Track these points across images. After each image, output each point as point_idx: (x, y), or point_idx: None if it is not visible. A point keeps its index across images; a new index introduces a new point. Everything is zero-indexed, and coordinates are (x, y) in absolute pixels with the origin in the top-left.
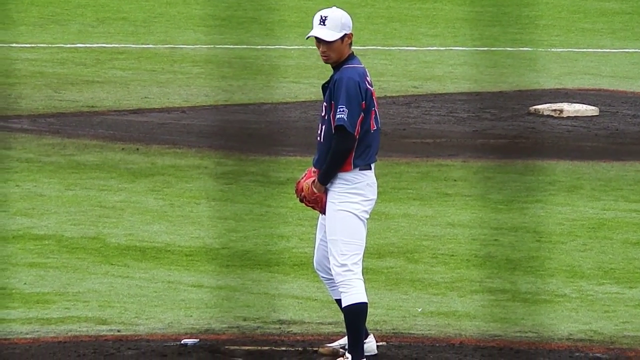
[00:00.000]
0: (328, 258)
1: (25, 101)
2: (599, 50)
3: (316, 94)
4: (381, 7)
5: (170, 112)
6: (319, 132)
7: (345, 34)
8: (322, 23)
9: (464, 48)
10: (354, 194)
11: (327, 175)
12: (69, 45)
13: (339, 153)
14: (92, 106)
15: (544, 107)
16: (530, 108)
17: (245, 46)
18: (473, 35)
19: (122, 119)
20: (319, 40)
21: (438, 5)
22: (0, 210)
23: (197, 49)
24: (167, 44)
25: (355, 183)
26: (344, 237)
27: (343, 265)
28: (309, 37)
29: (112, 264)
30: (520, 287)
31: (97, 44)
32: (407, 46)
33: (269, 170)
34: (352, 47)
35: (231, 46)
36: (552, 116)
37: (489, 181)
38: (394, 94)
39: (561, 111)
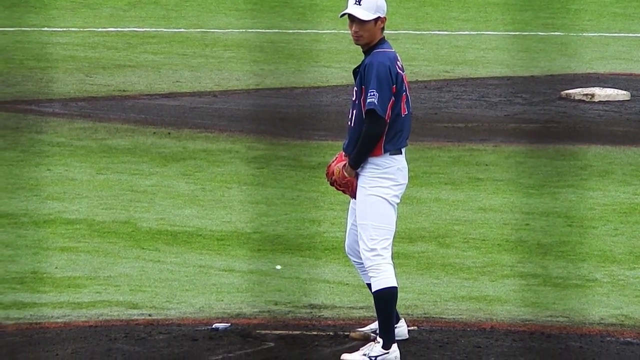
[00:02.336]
0: (358, 242)
1: (57, 85)
2: (631, 34)
3: (348, 78)
4: None
5: (201, 96)
6: (350, 116)
7: (379, 17)
8: (357, 2)
9: (495, 32)
10: (385, 179)
11: (358, 159)
12: (100, 29)
13: (370, 137)
14: (124, 90)
15: (576, 92)
16: (562, 93)
17: (277, 30)
18: (505, 19)
19: (154, 103)
20: (352, 19)
21: None
22: (31, 195)
23: (228, 33)
24: (198, 28)
25: (386, 168)
26: (374, 221)
27: (372, 249)
28: (343, 14)
29: (143, 248)
30: (551, 271)
31: (129, 27)
32: (439, 30)
33: (300, 154)
34: (384, 32)
35: (263, 30)
36: (583, 101)
37: (520, 166)
38: (425, 79)
39: (593, 96)
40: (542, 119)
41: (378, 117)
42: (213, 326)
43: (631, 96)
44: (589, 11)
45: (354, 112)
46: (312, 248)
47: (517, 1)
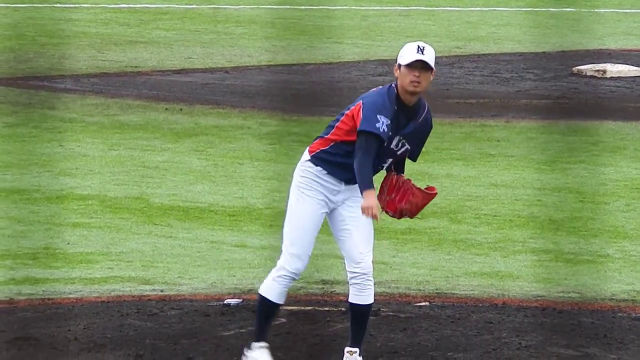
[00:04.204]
0: (362, 250)
1: (69, 61)
2: None
3: (359, 54)
4: None
5: (213, 73)
6: (382, 163)
7: (434, 69)
8: (420, 52)
9: (507, 8)
10: None
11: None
12: (112, 6)
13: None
14: (136, 66)
15: (587, 68)
16: (574, 69)
17: (288, 6)
18: None
19: (166, 79)
20: (415, 67)
21: None
22: (44, 171)
23: (240, 9)
24: (210, 4)
25: None
26: (373, 228)
27: (372, 254)
28: (413, 60)
29: (155, 224)
30: (563, 247)
31: (141, 4)
32: (451, 7)
33: (312, 130)
34: (396, 8)
35: (275, 6)
36: (595, 77)
37: (532, 141)
38: (437, 55)
39: (604, 72)
40: (553, 95)
41: None
42: (225, 302)
43: None
44: None
45: (389, 161)
46: (324, 224)
47: None
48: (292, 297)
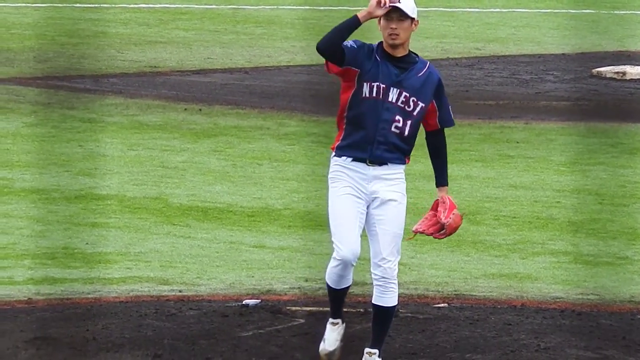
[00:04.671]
0: (381, 250)
1: (88, 61)
2: None
3: None
4: None
5: (233, 73)
6: (394, 126)
7: (415, 19)
8: (397, 1)
9: (526, 10)
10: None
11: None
12: (132, 6)
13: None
14: (155, 66)
15: (607, 70)
16: (593, 70)
17: (308, 7)
18: None
19: (185, 80)
20: (390, 16)
21: None
22: (63, 171)
23: (260, 9)
24: (230, 5)
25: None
26: (402, 232)
27: (398, 259)
28: (390, 5)
29: (174, 224)
30: (582, 249)
31: (160, 4)
32: (470, 8)
33: (331, 131)
34: (417, 9)
35: (294, 7)
36: (614, 79)
37: (551, 143)
38: (456, 56)
39: (624, 73)
40: (573, 97)
41: None
42: (243, 302)
43: None
44: None
45: (408, 122)
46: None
47: None
48: (310, 298)
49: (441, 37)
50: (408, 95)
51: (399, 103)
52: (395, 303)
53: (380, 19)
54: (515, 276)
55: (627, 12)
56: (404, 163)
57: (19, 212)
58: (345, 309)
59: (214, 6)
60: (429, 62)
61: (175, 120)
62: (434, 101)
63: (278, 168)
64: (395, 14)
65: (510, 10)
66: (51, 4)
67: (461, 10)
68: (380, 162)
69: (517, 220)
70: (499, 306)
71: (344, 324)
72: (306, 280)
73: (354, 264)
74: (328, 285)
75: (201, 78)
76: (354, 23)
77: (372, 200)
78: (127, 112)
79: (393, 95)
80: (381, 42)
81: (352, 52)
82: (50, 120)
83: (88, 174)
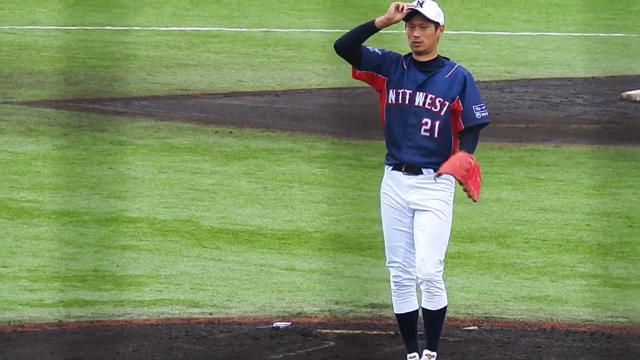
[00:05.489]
0: (414, 263)
1: (119, 84)
2: None
3: None
4: None
5: (263, 96)
6: (423, 129)
7: (440, 24)
8: (419, 5)
9: (557, 33)
10: (453, 194)
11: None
12: (163, 28)
13: (475, 148)
14: (186, 89)
15: (637, 93)
16: (623, 94)
17: (339, 30)
18: (566, 20)
19: (216, 102)
20: (413, 23)
21: None
22: (93, 193)
23: (290, 32)
24: (261, 27)
25: (453, 184)
26: (446, 236)
27: (442, 264)
28: (409, 9)
29: (204, 247)
30: (612, 272)
31: (191, 27)
32: (501, 31)
33: (362, 154)
34: (446, 32)
35: (325, 30)
36: None
37: (581, 166)
38: (487, 79)
39: None
40: (603, 120)
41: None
42: (274, 325)
43: None
44: None
45: (436, 123)
46: (373, 247)
47: (578, 2)
48: (341, 321)
49: (472, 60)
50: (434, 96)
51: (425, 106)
52: (443, 306)
53: (405, 27)
54: (545, 299)
55: None
56: None
57: (49, 235)
58: (375, 332)
59: (245, 29)
60: (458, 64)
61: (206, 142)
62: (458, 98)
63: (308, 191)
64: (418, 20)
65: (540, 33)
66: (82, 27)
67: (492, 33)
68: (414, 170)
69: (547, 243)
70: (529, 329)
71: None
72: (336, 303)
73: (408, 284)
74: (395, 314)
75: (232, 101)
76: (369, 27)
77: (412, 210)
78: (158, 135)
79: (420, 99)
80: (411, 52)
81: (374, 57)
82: (81, 142)
83: (118, 196)
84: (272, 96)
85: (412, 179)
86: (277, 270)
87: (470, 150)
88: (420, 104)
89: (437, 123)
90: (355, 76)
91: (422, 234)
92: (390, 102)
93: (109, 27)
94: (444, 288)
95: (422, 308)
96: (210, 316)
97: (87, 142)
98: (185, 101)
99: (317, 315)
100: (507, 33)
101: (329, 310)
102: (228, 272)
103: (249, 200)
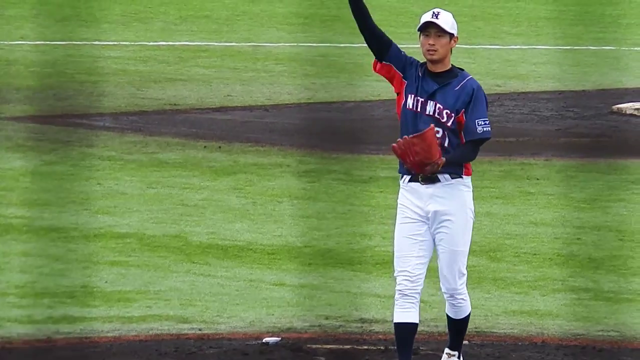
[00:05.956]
0: (423, 275)
1: (107, 99)
2: None
3: None
4: (465, 6)
5: (253, 110)
6: (437, 136)
7: (454, 35)
8: (434, 17)
9: (547, 47)
10: (473, 202)
11: (453, 162)
12: (151, 43)
13: (471, 159)
14: (175, 104)
15: (627, 106)
16: (613, 107)
17: (328, 44)
18: (556, 34)
19: (205, 117)
20: (429, 32)
21: (521, 4)
22: (82, 209)
23: (280, 47)
24: (250, 42)
25: (471, 189)
26: (467, 247)
27: (464, 275)
28: (424, 22)
29: (193, 262)
30: (602, 285)
31: (180, 41)
32: (491, 45)
33: (351, 168)
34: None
35: (314, 44)
36: (635, 115)
37: (571, 180)
38: None
39: None
40: (593, 133)
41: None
42: (264, 340)
43: None
44: None
45: (445, 133)
46: (363, 262)
47: (568, 15)
48: (331, 336)
49: None
50: (442, 107)
51: (435, 115)
52: (467, 313)
53: (419, 36)
54: (536, 313)
55: None
56: (459, 176)
57: (38, 251)
58: (365, 347)
59: (234, 43)
60: (470, 76)
61: (195, 157)
62: (463, 111)
63: (298, 205)
64: (433, 29)
65: (530, 47)
66: (70, 42)
67: (482, 47)
68: (431, 178)
69: (537, 257)
70: (519, 343)
71: None
72: (326, 318)
73: (413, 295)
74: (393, 324)
75: (221, 115)
76: None
77: (432, 221)
78: (147, 150)
79: (430, 108)
80: (425, 62)
81: (398, 53)
82: (69, 158)
83: (107, 212)
84: (261, 111)
85: (431, 188)
86: (266, 286)
87: (456, 157)
88: (431, 113)
89: (446, 133)
90: (375, 69)
91: (443, 250)
92: (407, 106)
93: (97, 42)
94: (467, 298)
95: (446, 314)
96: (200, 332)
97: (76, 158)
98: (174, 116)
99: (307, 330)
100: (497, 47)
101: (319, 326)
102: (217, 288)
103: (238, 216)
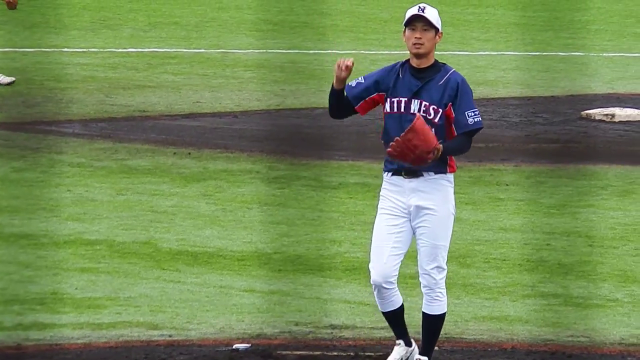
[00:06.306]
0: (396, 268)
1: (76, 106)
2: None
3: None
4: None
5: (222, 117)
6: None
7: (439, 30)
8: (421, 11)
9: (516, 53)
10: (453, 198)
11: (449, 153)
12: (120, 50)
13: (465, 150)
14: (144, 111)
15: (596, 112)
16: (582, 113)
17: (297, 51)
18: (525, 39)
19: (174, 124)
20: (414, 26)
21: (490, 10)
22: (51, 216)
23: (249, 53)
24: (219, 49)
25: (453, 186)
26: (447, 242)
27: (444, 270)
28: (411, 16)
29: (163, 269)
30: (572, 291)
31: (149, 48)
32: (460, 51)
33: (321, 174)
34: (405, 52)
35: (283, 51)
36: (604, 121)
37: (541, 185)
38: None
39: (613, 116)
40: (562, 139)
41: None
42: (234, 347)
43: None
44: (609, 31)
45: (432, 130)
46: (333, 268)
47: (537, 21)
48: (301, 342)
49: None
50: (427, 104)
51: (421, 113)
52: (443, 311)
53: (405, 30)
54: (505, 319)
55: (616, 54)
56: (443, 172)
57: (7, 258)
58: (335, 353)
59: (203, 50)
60: (452, 70)
61: (165, 164)
62: (451, 105)
63: (268, 212)
64: (420, 23)
65: (499, 53)
66: (39, 49)
67: (450, 53)
68: (415, 173)
69: (507, 262)
70: (489, 349)
71: (410, 347)
72: (296, 324)
73: (387, 287)
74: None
75: (190, 122)
76: (334, 92)
77: (413, 214)
78: (116, 157)
79: (415, 106)
80: (408, 59)
81: (358, 91)
82: (38, 165)
83: (77, 219)
84: (230, 117)
85: (413, 182)
86: (236, 292)
87: (451, 146)
88: (416, 111)
89: (433, 130)
90: (363, 114)
91: (423, 243)
92: (386, 111)
93: (66, 49)
94: (445, 294)
95: (423, 312)
96: (170, 338)
97: (45, 165)
98: (143, 123)
99: (277, 336)
100: (466, 53)
101: (289, 332)
102: (187, 294)
103: (208, 222)
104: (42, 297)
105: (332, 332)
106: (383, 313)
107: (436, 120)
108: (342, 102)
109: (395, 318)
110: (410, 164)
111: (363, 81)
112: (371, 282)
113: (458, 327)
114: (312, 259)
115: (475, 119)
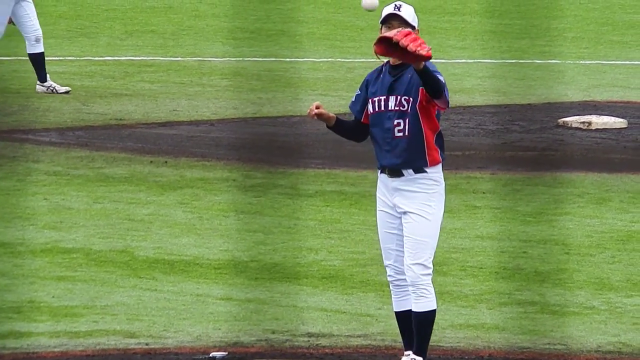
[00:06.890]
0: (406, 259)
1: (53, 114)
2: (628, 62)
3: (345, 106)
4: None
5: (199, 125)
6: (397, 130)
7: (415, 27)
8: (397, 9)
9: (492, 60)
10: (442, 196)
11: (429, 74)
12: (97, 58)
13: (439, 87)
14: (121, 119)
15: (573, 120)
16: (559, 120)
17: (273, 59)
18: (501, 47)
19: (151, 132)
20: (390, 24)
21: (467, 18)
22: (28, 224)
23: (225, 61)
24: (195, 57)
25: (441, 184)
26: (433, 240)
27: (428, 268)
28: (386, 15)
29: (140, 277)
30: (549, 299)
31: (126, 56)
32: (436, 58)
33: (297, 182)
34: (383, 60)
35: (260, 59)
36: (580, 128)
37: (517, 193)
38: None
39: (590, 123)
40: (539, 147)
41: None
42: (210, 355)
43: (628, 124)
44: (586, 39)
45: (407, 120)
46: (310, 276)
47: (513, 29)
48: (277, 350)
49: None
50: (400, 96)
51: (396, 107)
52: (431, 308)
53: (382, 28)
54: (482, 326)
55: (593, 62)
56: (423, 166)
57: None
58: None
59: (179, 58)
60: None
61: (141, 172)
62: (421, 88)
63: (244, 220)
64: (396, 21)
65: (476, 60)
66: (15, 57)
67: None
68: (396, 172)
69: (483, 270)
70: (466, 357)
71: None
72: (273, 333)
73: (403, 284)
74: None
75: (167, 130)
76: (331, 129)
77: (400, 213)
78: (93, 165)
79: (392, 103)
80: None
81: (360, 104)
82: (15, 173)
83: (53, 227)
84: (207, 125)
85: (395, 181)
86: (213, 300)
87: (429, 70)
88: (393, 107)
89: (407, 120)
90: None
91: (407, 240)
92: (368, 112)
93: None
94: (432, 292)
95: (411, 310)
96: (147, 347)
97: (22, 173)
98: (120, 131)
99: (254, 344)
100: (443, 60)
101: (266, 340)
102: (164, 302)
103: (184, 230)
104: (19, 306)
105: (308, 340)
106: (396, 315)
107: (409, 110)
108: (349, 129)
109: (407, 322)
110: (405, 53)
111: (360, 92)
112: (388, 279)
113: (435, 335)
114: (288, 267)
115: (441, 79)
